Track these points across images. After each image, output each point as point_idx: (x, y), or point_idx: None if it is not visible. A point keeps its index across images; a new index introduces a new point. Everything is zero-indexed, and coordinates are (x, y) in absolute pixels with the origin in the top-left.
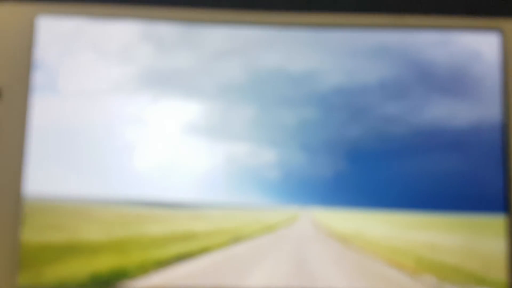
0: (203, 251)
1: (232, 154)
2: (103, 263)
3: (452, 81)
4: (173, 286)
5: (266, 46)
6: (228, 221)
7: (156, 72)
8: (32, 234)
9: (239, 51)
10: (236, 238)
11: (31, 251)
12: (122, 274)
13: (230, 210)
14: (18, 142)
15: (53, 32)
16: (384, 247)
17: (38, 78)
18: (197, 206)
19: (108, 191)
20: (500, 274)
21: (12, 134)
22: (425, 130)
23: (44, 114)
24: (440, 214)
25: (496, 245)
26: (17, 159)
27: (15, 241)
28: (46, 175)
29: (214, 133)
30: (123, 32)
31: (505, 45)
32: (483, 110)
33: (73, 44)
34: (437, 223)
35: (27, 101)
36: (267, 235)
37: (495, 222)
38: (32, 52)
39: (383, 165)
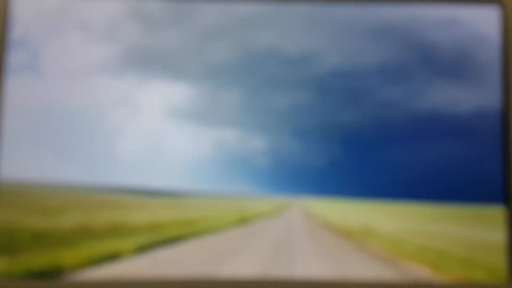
0: (170, 241)
1: (220, 140)
2: (67, 253)
3: (455, 65)
4: (131, 277)
5: (259, 25)
6: (209, 210)
7: (143, 52)
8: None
9: (230, 30)
10: (214, 228)
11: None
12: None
13: (216, 199)
14: None
15: (35, 9)
16: (385, 238)
17: (17, 57)
18: (181, 194)
19: (89, 177)
20: (499, 264)
21: None
22: (426, 116)
23: (23, 95)
24: (438, 205)
25: (495, 236)
26: None
27: None
28: (24, 158)
29: (202, 118)
30: (109, 9)
31: (505, 19)
32: (485, 96)
33: (56, 22)
34: (435, 214)
35: (1, 82)
36: (250, 224)
37: (494, 212)
38: (7, 29)
39: (380, 153)
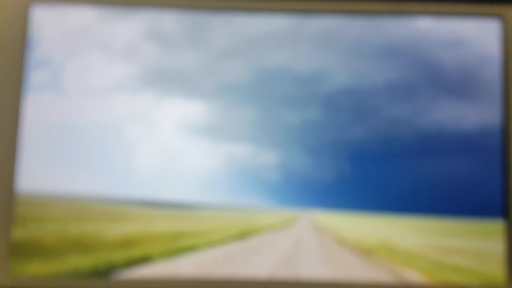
0: (188, 250)
1: (233, 154)
2: (90, 260)
3: (460, 83)
4: (160, 279)
5: (271, 45)
6: (222, 222)
7: (160, 71)
8: (25, 230)
9: (243, 50)
10: (222, 240)
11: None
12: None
13: (229, 211)
14: (11, 139)
15: (57, 29)
16: (400, 253)
17: (40, 76)
18: (195, 206)
19: (108, 190)
20: (499, 277)
21: (4, 132)
22: (431, 133)
23: (45, 112)
24: (443, 219)
25: (494, 249)
26: (11, 157)
27: (7, 236)
28: (47, 172)
29: (216, 134)
30: (128, 29)
31: (505, 32)
32: (488, 113)
33: (77, 42)
34: (439, 228)
35: (22, 98)
36: (261, 236)
37: (494, 226)
38: (27, 46)
39: (387, 168)
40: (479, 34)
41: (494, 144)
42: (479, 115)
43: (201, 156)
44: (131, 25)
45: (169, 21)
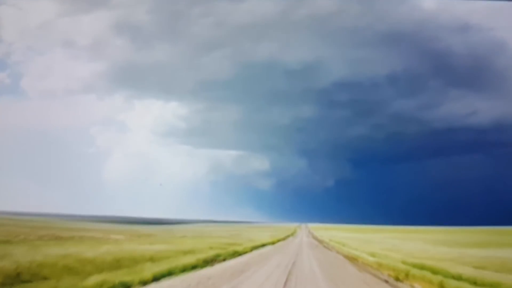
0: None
1: (218, 161)
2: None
3: (473, 74)
4: None
5: (258, 35)
6: (201, 242)
7: (131, 68)
8: None
9: (226, 42)
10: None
11: None
12: None
13: (212, 228)
14: None
15: (18, 28)
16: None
17: None
18: (173, 222)
19: (75, 204)
20: None
21: None
22: (442, 129)
23: (0, 117)
24: (462, 229)
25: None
26: None
27: None
28: (3, 188)
29: (197, 138)
30: (95, 24)
31: None
32: (503, 105)
33: (38, 39)
34: (458, 237)
35: None
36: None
37: None
38: None
39: (393, 171)
40: (492, 17)
41: (511, 139)
42: (492, 108)
43: (180, 164)
44: (98, 19)
45: (141, 12)
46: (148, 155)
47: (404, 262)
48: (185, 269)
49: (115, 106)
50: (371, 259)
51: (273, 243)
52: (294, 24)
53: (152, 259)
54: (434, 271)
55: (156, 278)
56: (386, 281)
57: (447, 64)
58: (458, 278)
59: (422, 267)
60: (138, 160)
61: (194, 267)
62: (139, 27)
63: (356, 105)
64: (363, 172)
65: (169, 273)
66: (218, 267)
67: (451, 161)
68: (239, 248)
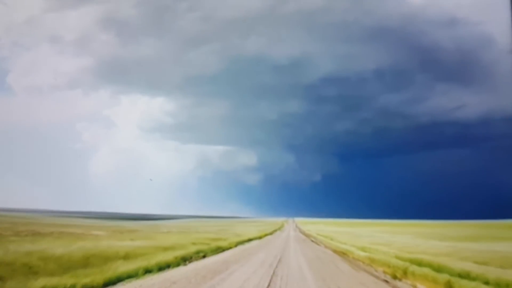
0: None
1: (205, 156)
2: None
3: (460, 68)
4: None
5: (246, 30)
6: (186, 238)
7: (118, 63)
8: None
9: (214, 37)
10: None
11: None
12: None
13: (200, 223)
14: None
15: (3, 23)
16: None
17: None
18: (160, 218)
19: (60, 201)
20: None
21: None
22: (428, 124)
23: None
24: (450, 222)
25: None
26: None
27: None
28: None
29: (184, 133)
30: (81, 19)
31: None
32: (490, 99)
33: (24, 35)
34: (446, 231)
35: None
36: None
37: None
38: None
39: (380, 165)
40: (480, 11)
41: (497, 133)
42: (479, 102)
43: (167, 159)
44: (84, 14)
45: (127, 6)
46: (135, 151)
47: (398, 257)
48: (159, 268)
49: (101, 101)
50: (362, 254)
51: (260, 237)
52: (282, 19)
53: (126, 257)
54: (435, 268)
55: (121, 279)
56: (386, 281)
57: (434, 59)
58: (465, 276)
59: (420, 263)
60: (125, 156)
61: (168, 266)
62: (125, 22)
63: (343, 100)
64: (349, 167)
65: (135, 274)
66: (192, 267)
67: (437, 155)
68: (223, 244)
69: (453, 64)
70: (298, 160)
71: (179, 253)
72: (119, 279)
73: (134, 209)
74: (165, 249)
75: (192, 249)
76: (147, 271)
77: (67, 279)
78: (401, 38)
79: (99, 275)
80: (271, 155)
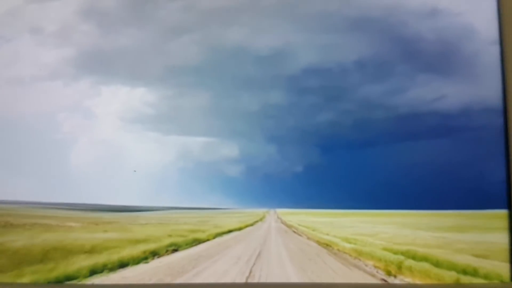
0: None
1: (186, 148)
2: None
3: (441, 58)
4: None
5: (227, 20)
6: (170, 229)
7: (98, 54)
8: None
9: (195, 26)
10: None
11: None
12: None
13: (181, 213)
14: None
15: None
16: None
17: None
18: (140, 209)
19: (41, 193)
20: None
21: None
22: (409, 114)
23: None
24: (429, 212)
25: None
26: None
27: None
28: None
29: (165, 124)
30: (62, 9)
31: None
32: (469, 90)
33: (4, 25)
34: (426, 221)
35: None
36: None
37: (497, 217)
38: None
39: (361, 156)
40: (462, 2)
41: (483, 126)
42: (460, 93)
43: (148, 150)
44: (65, 4)
45: None
46: (116, 142)
47: (386, 249)
48: (120, 265)
49: (82, 92)
50: (347, 245)
51: (240, 228)
52: (264, 9)
53: (91, 251)
54: (434, 263)
55: (70, 278)
56: (384, 280)
57: (414, 50)
58: (473, 272)
59: (413, 256)
60: (105, 147)
61: (126, 263)
62: (106, 12)
63: (325, 91)
64: (331, 157)
65: (77, 275)
66: (153, 264)
67: (418, 145)
68: (201, 236)
69: (434, 55)
70: (280, 151)
71: (151, 246)
72: (67, 278)
73: (115, 200)
74: (137, 241)
75: (167, 241)
76: (105, 269)
77: (9, 278)
78: (382, 29)
79: (48, 273)
80: (253, 146)
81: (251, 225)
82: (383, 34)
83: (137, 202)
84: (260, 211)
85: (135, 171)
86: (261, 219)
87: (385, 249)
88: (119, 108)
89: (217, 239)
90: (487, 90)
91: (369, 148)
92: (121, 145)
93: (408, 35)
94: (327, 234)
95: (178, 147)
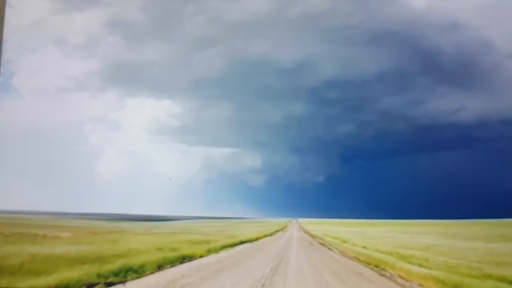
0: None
1: (210, 159)
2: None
3: (460, 71)
4: None
5: (251, 33)
6: (192, 240)
7: (124, 66)
8: None
9: (219, 40)
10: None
11: None
12: None
13: (200, 224)
14: None
15: (11, 25)
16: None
17: None
18: (167, 219)
19: (69, 203)
20: None
21: None
22: (429, 126)
23: None
24: (451, 221)
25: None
26: None
27: None
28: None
29: (190, 135)
30: (87, 21)
31: None
32: (488, 103)
33: (30, 37)
34: (448, 230)
35: None
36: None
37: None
38: None
39: (381, 166)
40: (480, 15)
41: (496, 136)
42: (478, 105)
43: (173, 161)
44: (91, 16)
45: (134, 9)
46: (142, 153)
47: (459, 273)
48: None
49: (108, 104)
50: (412, 268)
51: (252, 240)
52: (287, 22)
53: (37, 270)
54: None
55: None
56: None
57: (435, 62)
58: None
59: (481, 276)
60: (131, 158)
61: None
62: (132, 25)
63: (346, 102)
64: (352, 168)
65: None
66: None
67: (437, 156)
68: (201, 250)
69: (454, 67)
70: (302, 161)
71: (120, 263)
72: None
73: (140, 210)
74: (113, 256)
75: (151, 257)
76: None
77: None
78: (403, 41)
79: None
80: (275, 156)
81: (270, 235)
82: (404, 47)
83: (162, 211)
84: (282, 220)
85: (170, 179)
86: (282, 229)
87: (457, 273)
88: (144, 120)
89: (216, 255)
90: (505, 102)
91: (389, 159)
92: (147, 156)
93: (428, 48)
94: (364, 247)
95: (202, 158)
